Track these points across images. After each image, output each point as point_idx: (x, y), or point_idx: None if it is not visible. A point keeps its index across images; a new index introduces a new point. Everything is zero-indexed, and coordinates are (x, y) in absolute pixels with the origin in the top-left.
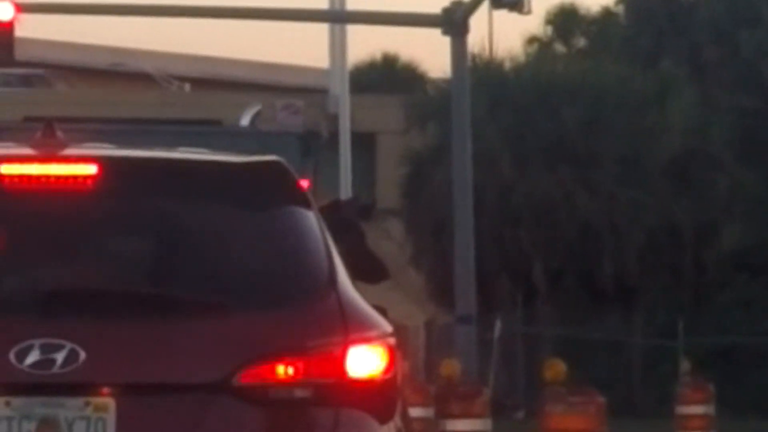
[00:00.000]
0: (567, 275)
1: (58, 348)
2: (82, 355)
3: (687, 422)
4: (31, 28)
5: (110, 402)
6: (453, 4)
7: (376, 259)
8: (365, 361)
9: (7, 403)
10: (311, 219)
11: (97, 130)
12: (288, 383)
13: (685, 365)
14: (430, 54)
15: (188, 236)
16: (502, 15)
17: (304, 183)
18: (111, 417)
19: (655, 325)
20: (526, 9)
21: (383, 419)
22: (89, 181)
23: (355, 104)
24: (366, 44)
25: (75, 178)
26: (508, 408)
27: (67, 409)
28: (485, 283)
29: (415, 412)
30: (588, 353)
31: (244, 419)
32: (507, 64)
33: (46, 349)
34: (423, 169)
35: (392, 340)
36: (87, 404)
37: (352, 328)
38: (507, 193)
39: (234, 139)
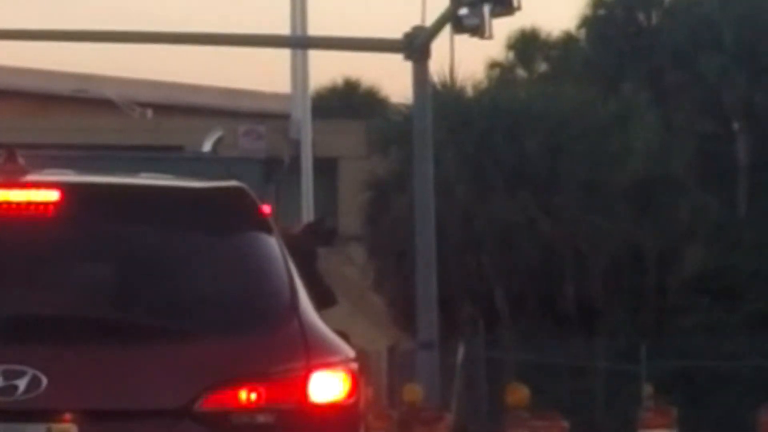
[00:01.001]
0: (529, 300)
1: (20, 374)
2: (44, 381)
3: None
4: None
5: (72, 428)
6: (414, 29)
7: (324, 284)
8: (328, 386)
9: None
10: (273, 244)
11: (59, 156)
12: (250, 409)
13: (647, 389)
14: (392, 79)
15: (150, 262)
16: (464, 40)
17: (266, 208)
18: None
19: (617, 349)
20: (487, 34)
21: None
22: (51, 208)
23: (316, 129)
24: (327, 69)
25: (37, 204)
26: None
27: None
28: (447, 308)
29: None
30: (551, 377)
31: None
32: (469, 89)
33: (8, 376)
34: (385, 194)
35: (354, 365)
36: (49, 431)
37: (315, 354)
38: (468, 218)
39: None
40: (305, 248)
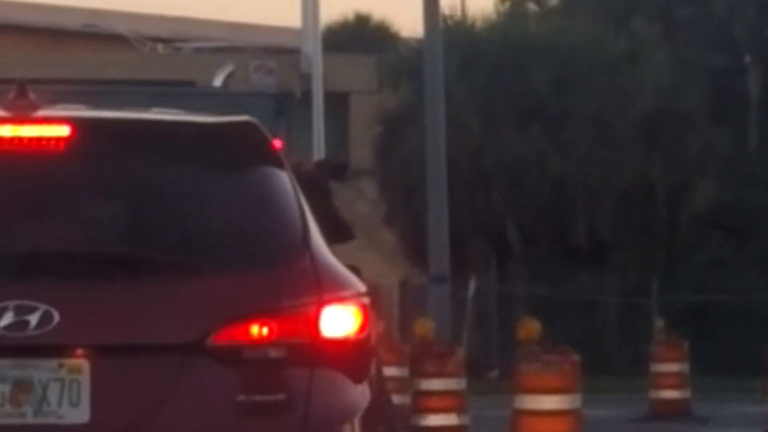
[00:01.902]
0: (540, 235)
1: (32, 310)
2: (56, 316)
3: (661, 380)
4: None
5: (84, 363)
6: None
7: (341, 219)
8: (339, 320)
9: None
10: (284, 179)
11: (70, 91)
12: (262, 343)
13: (658, 324)
14: (403, 13)
15: (162, 197)
16: None
17: (278, 143)
18: (85, 378)
19: (628, 284)
20: None
21: (357, 379)
22: (62, 143)
23: (327, 64)
24: (338, 4)
25: (48, 139)
26: (482, 367)
27: (41, 371)
28: (459, 243)
29: (389, 371)
30: (562, 312)
31: (218, 379)
32: (479, 24)
33: (19, 311)
34: (396, 129)
35: (366, 300)
36: (61, 366)
37: (326, 288)
38: (479, 153)
39: (207, 100)
40: (318, 184)
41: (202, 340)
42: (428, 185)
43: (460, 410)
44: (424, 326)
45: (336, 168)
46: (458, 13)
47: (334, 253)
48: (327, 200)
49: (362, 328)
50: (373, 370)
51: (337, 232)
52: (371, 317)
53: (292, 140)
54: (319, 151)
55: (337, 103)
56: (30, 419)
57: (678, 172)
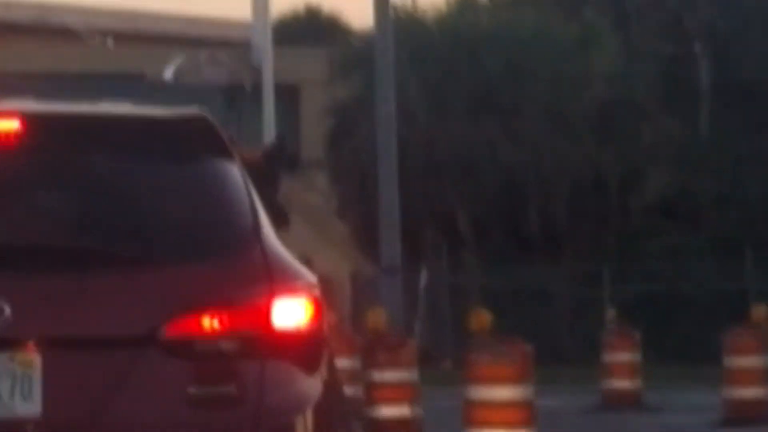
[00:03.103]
0: (493, 225)
1: None
2: (7, 310)
3: (613, 369)
4: None
5: (36, 357)
6: None
7: (277, 205)
8: (291, 312)
9: None
10: (235, 171)
11: (20, 85)
12: (214, 336)
13: (610, 313)
14: (353, 6)
15: (113, 190)
16: None
17: (228, 136)
18: (37, 372)
19: (581, 273)
20: None
21: (310, 370)
22: (12, 137)
23: (278, 56)
24: None
25: None
26: (434, 358)
27: None
28: (411, 234)
29: (341, 362)
30: (514, 302)
31: (171, 372)
32: (430, 15)
33: None
34: (347, 121)
35: (318, 291)
36: (12, 359)
37: (278, 280)
38: (431, 144)
39: (158, 92)
40: (266, 172)
41: (154, 333)
42: (379, 176)
43: (412, 401)
44: (376, 317)
45: (286, 159)
46: (409, 4)
47: (286, 244)
48: (274, 188)
49: (314, 319)
50: (325, 361)
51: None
52: (323, 309)
53: (243, 132)
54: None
55: (288, 95)
56: None
57: (630, 161)
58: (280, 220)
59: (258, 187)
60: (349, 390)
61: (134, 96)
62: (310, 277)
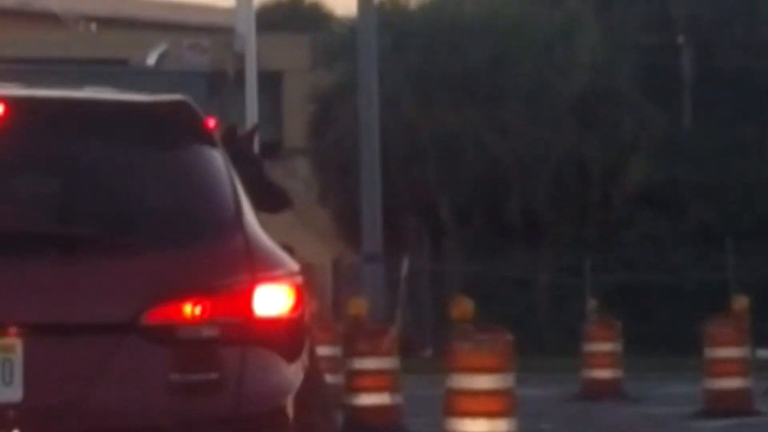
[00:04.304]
0: (474, 213)
1: None
2: None
3: (594, 359)
4: None
5: (17, 342)
6: None
7: (276, 187)
8: (272, 299)
9: None
10: (218, 158)
11: (3, 69)
12: (195, 322)
13: (591, 302)
14: None
15: (96, 176)
16: None
17: (211, 122)
18: (18, 357)
19: (562, 262)
20: None
21: (291, 357)
22: None
23: (261, 43)
24: None
25: None
26: (415, 346)
27: None
28: (393, 222)
29: (322, 350)
30: (496, 290)
31: (152, 358)
32: (413, 3)
33: None
34: (330, 108)
35: (299, 279)
36: None
37: (259, 267)
38: (413, 131)
39: (141, 78)
40: (248, 155)
41: (135, 319)
42: (361, 164)
43: (393, 389)
44: (358, 305)
45: (267, 146)
46: None
47: (268, 231)
48: (259, 170)
49: (295, 307)
50: (306, 349)
51: (273, 200)
52: (304, 296)
53: (226, 119)
54: None
55: (271, 82)
56: None
57: (612, 149)
58: (280, 201)
59: (239, 168)
60: (329, 378)
61: (117, 81)
62: (292, 264)
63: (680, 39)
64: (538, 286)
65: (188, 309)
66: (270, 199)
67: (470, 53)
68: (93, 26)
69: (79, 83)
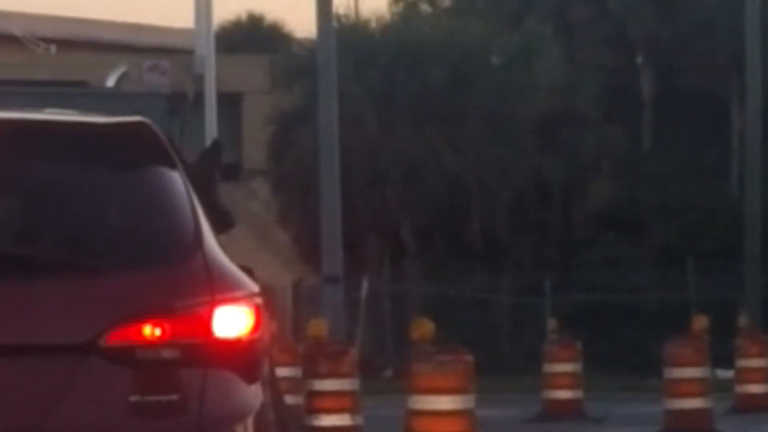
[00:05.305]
0: (435, 234)
1: None
2: None
3: (554, 380)
4: None
5: None
6: None
7: (220, 207)
8: (232, 321)
9: None
10: (177, 179)
11: None
12: (155, 344)
13: (552, 323)
14: (296, 14)
15: (54, 197)
16: None
17: (170, 144)
18: None
19: (522, 283)
20: None
21: (251, 379)
22: None
23: (220, 64)
24: (231, 4)
25: None
26: (376, 367)
27: None
28: (353, 243)
29: (282, 371)
30: (456, 311)
31: (112, 380)
32: (373, 24)
33: None
34: (289, 129)
35: (259, 300)
36: None
37: (219, 289)
38: (374, 152)
39: (100, 100)
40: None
41: (95, 341)
42: (321, 185)
43: (353, 410)
44: (318, 326)
45: (227, 168)
46: (351, 13)
47: (228, 253)
48: (211, 191)
49: (255, 328)
50: (266, 370)
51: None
52: (264, 317)
53: (185, 140)
54: None
55: (231, 103)
56: None
57: (572, 170)
58: (224, 222)
59: (199, 191)
60: (290, 399)
61: (77, 103)
62: (252, 285)
63: (639, 59)
64: (499, 307)
65: (148, 330)
66: (212, 219)
67: (431, 75)
68: (53, 48)
69: (39, 105)
